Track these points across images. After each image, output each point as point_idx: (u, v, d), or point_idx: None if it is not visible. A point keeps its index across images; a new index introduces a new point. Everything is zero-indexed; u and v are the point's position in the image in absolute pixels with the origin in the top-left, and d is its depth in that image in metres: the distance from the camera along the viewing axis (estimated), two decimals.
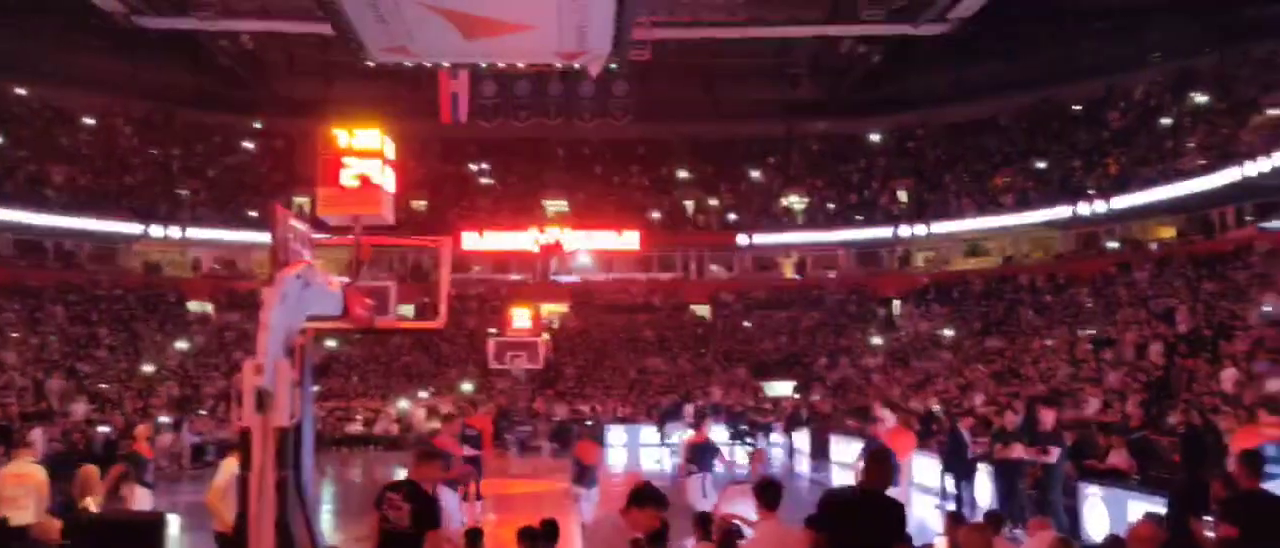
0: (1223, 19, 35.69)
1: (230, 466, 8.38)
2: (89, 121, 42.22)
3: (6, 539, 8.71)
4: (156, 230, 38.69)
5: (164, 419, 26.17)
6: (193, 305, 39.51)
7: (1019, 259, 39.53)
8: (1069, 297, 33.17)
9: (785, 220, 43.93)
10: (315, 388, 31.51)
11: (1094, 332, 26.90)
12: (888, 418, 15.08)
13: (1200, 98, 35.13)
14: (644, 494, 6.37)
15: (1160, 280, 29.48)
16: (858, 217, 42.62)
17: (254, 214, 39.16)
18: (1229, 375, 16.46)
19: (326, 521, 14.32)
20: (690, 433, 26.89)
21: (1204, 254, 29.64)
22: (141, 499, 11.12)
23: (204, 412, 29.19)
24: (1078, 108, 40.65)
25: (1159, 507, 9.02)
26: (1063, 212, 35.98)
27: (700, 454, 12.95)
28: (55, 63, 39.24)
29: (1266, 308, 23.34)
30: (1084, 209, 34.95)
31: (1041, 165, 39.30)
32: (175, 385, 31.91)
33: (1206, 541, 6.84)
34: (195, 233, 39.83)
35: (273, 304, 6.78)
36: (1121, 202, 33.71)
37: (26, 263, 37.29)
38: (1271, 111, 30.42)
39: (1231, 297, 23.57)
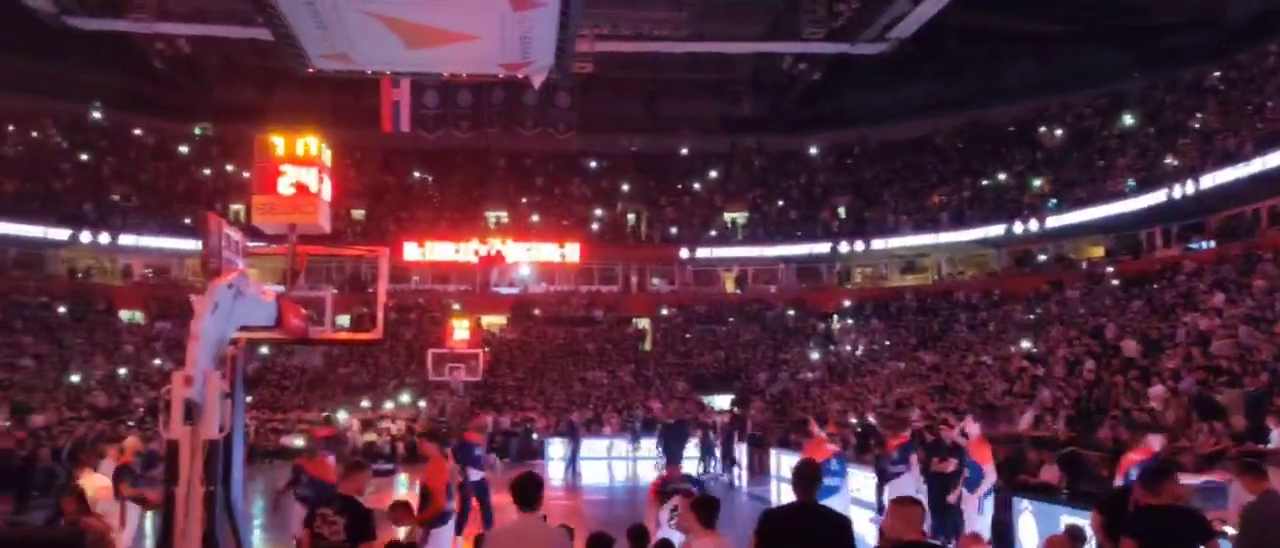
0: (1147, 45, 36.99)
1: None
2: (14, 123, 40.89)
3: None
4: (85, 237, 37.61)
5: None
6: (123, 314, 38.47)
7: (954, 276, 40.34)
8: (1003, 313, 33.87)
9: (726, 235, 44.24)
10: (248, 399, 30.87)
11: (1027, 348, 27.47)
12: (817, 432, 15.10)
13: (1129, 120, 36.25)
14: None
15: (1091, 298, 30.23)
16: (798, 232, 43.08)
17: (188, 221, 38.26)
18: (1157, 392, 16.88)
19: (257, 536, 13.96)
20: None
21: (1132, 273, 30.49)
22: (132, 516, 10.74)
23: (132, 423, 28.39)
24: (1012, 128, 41.67)
25: (1085, 521, 9.22)
26: (997, 230, 36.77)
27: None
28: None
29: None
30: (1018, 228, 35.77)
31: (978, 184, 40.16)
32: (103, 396, 30.97)
33: None
34: (126, 240, 38.74)
35: (203, 314, 6.62)
36: (1054, 221, 34.56)
37: None
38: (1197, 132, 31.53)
39: (1159, 315, 24.23)
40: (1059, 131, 39.54)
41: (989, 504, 11.33)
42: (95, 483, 9.16)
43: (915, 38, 32.23)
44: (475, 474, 12.57)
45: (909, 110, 44.23)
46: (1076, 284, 32.43)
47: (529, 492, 5.70)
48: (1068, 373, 22.12)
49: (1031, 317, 31.72)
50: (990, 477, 11.15)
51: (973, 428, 12.20)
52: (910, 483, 11.75)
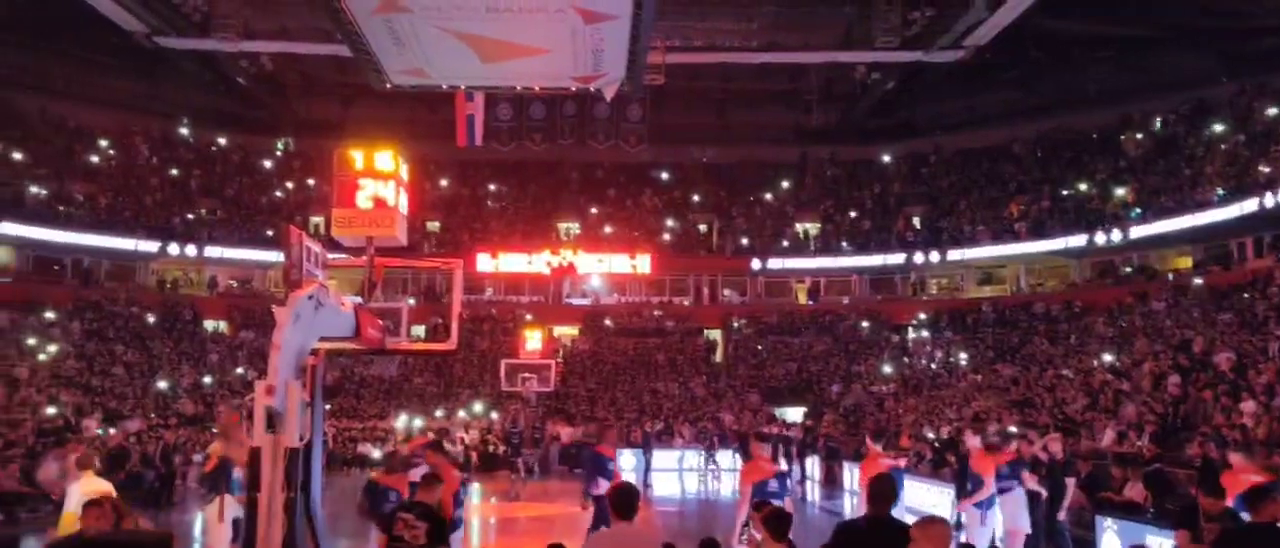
0: (1237, 49, 35.66)
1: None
2: (108, 140, 42.55)
3: None
4: (174, 249, 38.93)
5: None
6: (208, 324, 39.69)
7: (1034, 287, 39.41)
8: (1084, 325, 32.96)
9: (799, 245, 43.89)
10: (326, 407, 31.59)
11: (1110, 361, 26.68)
12: (872, 447, 14.87)
13: (1218, 127, 35.01)
14: None
15: (1177, 311, 29.25)
16: (871, 243, 42.53)
17: (270, 233, 39.40)
18: (1249, 408, 16.23)
19: (335, 542, 14.24)
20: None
21: (1222, 285, 29.42)
22: (230, 509, 11.00)
23: (216, 430, 29.18)
24: (1094, 136, 40.60)
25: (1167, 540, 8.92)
26: (1078, 240, 35.81)
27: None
28: (76, 81, 39.68)
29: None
30: (1100, 238, 34.78)
31: (1058, 193, 39.18)
32: (189, 403, 31.96)
33: None
34: (212, 251, 40.02)
35: (285, 324, 6.79)
36: (1138, 231, 33.53)
37: (45, 279, 37.48)
38: None
39: (1249, 328, 23.32)
40: (1142, 138, 38.40)
41: (991, 516, 11.21)
42: (96, 487, 9.04)
43: (992, 44, 31.64)
44: (603, 486, 11.79)
45: (986, 118, 43.44)
46: (1162, 296, 31.41)
47: (628, 501, 5.85)
48: (1153, 387, 21.41)
49: (1114, 330, 30.80)
50: (989, 489, 11.04)
51: (973, 441, 12.20)
52: (1021, 498, 11.65)
